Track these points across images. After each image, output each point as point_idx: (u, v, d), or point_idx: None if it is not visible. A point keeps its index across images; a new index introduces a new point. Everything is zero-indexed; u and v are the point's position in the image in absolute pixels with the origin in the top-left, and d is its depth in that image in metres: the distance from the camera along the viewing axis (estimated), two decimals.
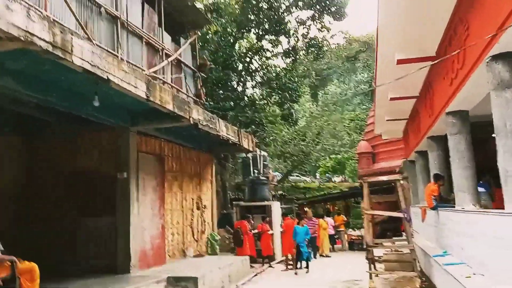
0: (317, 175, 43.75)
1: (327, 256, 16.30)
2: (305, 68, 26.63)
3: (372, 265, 9.99)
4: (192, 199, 13.16)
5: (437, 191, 9.59)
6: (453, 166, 7.93)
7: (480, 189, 10.78)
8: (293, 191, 30.14)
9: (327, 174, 42.06)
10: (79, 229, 9.70)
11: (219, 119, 11.35)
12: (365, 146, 24.15)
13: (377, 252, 15.52)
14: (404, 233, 10.89)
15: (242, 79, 22.25)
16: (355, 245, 18.83)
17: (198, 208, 13.51)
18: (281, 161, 31.93)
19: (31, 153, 10.39)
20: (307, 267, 12.30)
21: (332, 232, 18.11)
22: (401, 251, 10.88)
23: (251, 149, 13.96)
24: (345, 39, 34.77)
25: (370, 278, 9.32)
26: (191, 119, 9.21)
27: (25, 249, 7.40)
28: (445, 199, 9.86)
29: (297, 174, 40.82)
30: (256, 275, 12.07)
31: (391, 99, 11.25)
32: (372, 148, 23.75)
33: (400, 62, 7.96)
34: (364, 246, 17.48)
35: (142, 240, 9.74)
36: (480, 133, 7.95)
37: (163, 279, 8.56)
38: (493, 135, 5.42)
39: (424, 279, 8.90)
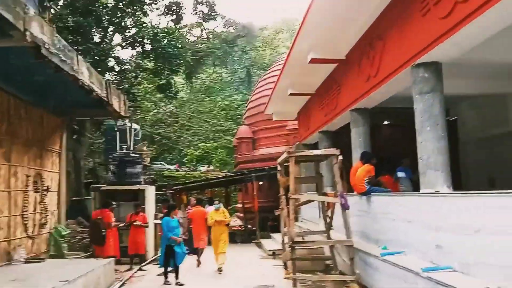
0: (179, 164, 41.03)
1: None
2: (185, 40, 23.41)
3: (287, 268, 7.64)
4: (28, 176, 8.95)
5: (373, 172, 7.69)
6: (423, 137, 6.05)
7: (401, 174, 9.44)
8: (158, 180, 26.78)
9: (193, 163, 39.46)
10: None
11: (79, 55, 7.57)
12: (245, 131, 22.22)
13: (268, 245, 13.62)
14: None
15: (107, 34, 17.85)
16: (237, 237, 16.53)
17: (36, 191, 9.32)
18: (148, 145, 28.01)
19: None
20: (177, 276, 8.50)
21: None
22: (313, 247, 8.79)
23: (123, 113, 10.24)
24: (224, 20, 32.44)
25: (295, 286, 6.86)
26: (28, 34, 5.45)
27: None
28: (377, 182, 8.06)
29: (161, 162, 37.82)
30: (123, 284, 8.58)
31: (312, 60, 9.13)
32: (253, 133, 21.97)
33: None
34: (257, 239, 15.89)
35: None
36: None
37: None
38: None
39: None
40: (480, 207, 4.58)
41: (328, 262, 9.02)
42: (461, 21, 4.93)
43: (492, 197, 4.51)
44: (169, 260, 8.59)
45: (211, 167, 39.02)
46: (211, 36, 32.71)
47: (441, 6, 5.29)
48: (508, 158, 11.92)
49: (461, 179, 11.71)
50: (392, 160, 9.62)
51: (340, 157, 7.02)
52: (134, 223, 10.62)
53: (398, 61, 6.56)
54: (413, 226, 6.06)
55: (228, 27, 34.49)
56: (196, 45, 28.20)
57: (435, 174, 5.88)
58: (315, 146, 12.95)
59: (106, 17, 17.20)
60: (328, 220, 8.24)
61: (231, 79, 40.47)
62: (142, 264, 10.76)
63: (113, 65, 18.41)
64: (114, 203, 10.85)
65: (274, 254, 11.96)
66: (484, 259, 4.48)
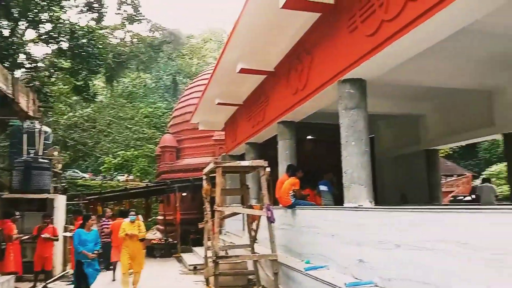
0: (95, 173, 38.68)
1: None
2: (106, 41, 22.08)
3: (209, 284, 7.28)
4: None
5: (298, 185, 7.69)
6: (347, 152, 6.12)
7: (323, 188, 9.63)
8: (70, 189, 24.77)
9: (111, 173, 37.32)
10: None
11: None
12: (169, 139, 21.51)
13: (190, 259, 13.06)
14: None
15: (18, 27, 16.18)
16: (156, 251, 15.70)
17: None
18: (61, 150, 25.84)
19: None
20: None
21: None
22: (236, 261, 8.55)
23: (31, 113, 9.19)
24: (150, 24, 31.38)
25: None
26: None
27: None
28: (302, 196, 8.08)
29: (75, 170, 35.28)
30: None
31: (241, 70, 9.03)
32: (178, 143, 21.34)
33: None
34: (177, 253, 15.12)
35: None
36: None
37: None
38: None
39: None
40: (401, 222, 4.68)
41: (251, 277, 8.83)
42: (387, 39, 5.09)
43: (412, 212, 4.62)
44: (80, 279, 7.73)
45: (131, 177, 37.21)
46: (135, 40, 31.43)
47: (368, 24, 5.43)
48: (419, 176, 12.83)
49: (377, 195, 12.31)
50: (314, 174, 9.78)
51: (268, 169, 6.90)
52: (42, 236, 9.53)
53: (325, 76, 6.65)
54: (336, 240, 6.08)
55: (154, 31, 33.51)
56: (119, 48, 26.85)
57: (359, 189, 5.99)
58: (241, 157, 12.82)
59: (18, 9, 15.62)
60: (253, 233, 8.05)
61: (156, 85, 39.22)
62: (47, 281, 9.66)
63: (24, 61, 16.69)
64: (17, 213, 9.65)
65: (195, 269, 11.51)
66: (404, 274, 4.56)
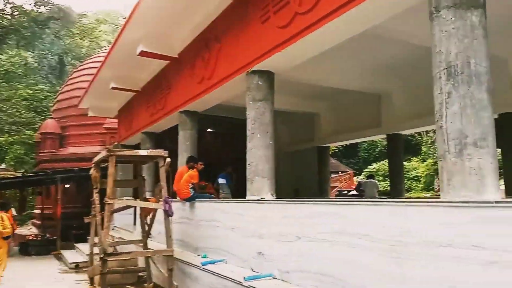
0: None
1: None
2: None
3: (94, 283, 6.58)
4: None
5: (197, 178, 7.42)
6: (253, 144, 6.02)
7: (221, 181, 9.57)
8: None
9: None
10: None
11: None
12: (52, 125, 19.36)
13: (71, 257, 11.81)
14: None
15: None
16: (32, 248, 13.96)
17: None
18: None
19: None
20: None
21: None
22: (126, 258, 7.94)
23: None
24: None
25: None
26: None
27: None
28: (202, 188, 7.83)
29: None
30: None
31: (142, 53, 8.43)
32: (61, 129, 19.34)
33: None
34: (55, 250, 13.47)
35: None
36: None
37: None
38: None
39: None
40: (302, 214, 4.71)
41: (141, 274, 8.28)
42: (300, 32, 5.07)
43: (313, 205, 4.68)
44: None
45: (3, 165, 32.89)
46: (16, 13, 27.75)
47: (281, 15, 5.38)
48: (311, 171, 13.50)
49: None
50: (214, 166, 9.62)
51: (168, 159, 6.47)
52: None
53: (234, 66, 6.48)
54: (236, 233, 5.96)
55: (41, 5, 29.99)
56: None
57: (262, 181, 5.94)
58: (136, 147, 12.03)
59: None
60: (146, 228, 7.53)
61: (39, 65, 35.19)
62: None
63: None
64: None
65: (77, 267, 10.45)
66: (304, 266, 4.60)
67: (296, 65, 6.12)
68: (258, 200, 5.77)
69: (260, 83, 6.10)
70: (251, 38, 6.08)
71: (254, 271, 5.44)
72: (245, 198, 6.05)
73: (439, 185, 14.86)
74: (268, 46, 5.65)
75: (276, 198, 6.10)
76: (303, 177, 13.56)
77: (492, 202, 2.81)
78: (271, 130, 6.14)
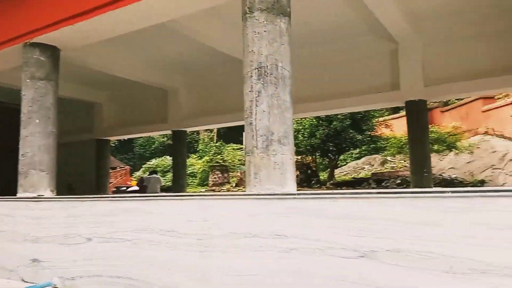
0: None
1: None
2: None
3: None
4: None
5: None
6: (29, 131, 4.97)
7: None
8: None
9: None
10: None
11: None
12: None
13: None
14: None
15: None
16: None
17: None
18: None
19: None
20: None
21: None
22: None
23: None
24: None
25: None
26: None
27: None
28: None
29: None
30: None
31: None
32: None
33: None
34: None
35: None
36: None
37: None
38: None
39: None
40: (96, 212, 4.19)
41: None
42: (95, 8, 4.52)
43: (109, 201, 4.25)
44: None
45: None
46: None
47: None
48: (88, 165, 12.37)
49: None
50: None
51: None
52: None
53: (8, 33, 5.23)
54: (2, 238, 4.83)
55: None
56: None
57: (40, 175, 5.00)
58: None
59: None
60: None
61: None
62: None
63: None
64: None
65: None
66: (94, 270, 4.09)
67: (85, 45, 5.45)
68: (34, 197, 4.82)
69: (42, 58, 5.13)
70: (36, 2, 5.04)
71: (26, 282, 4.54)
72: (15, 195, 4.97)
73: (213, 181, 16.06)
74: (58, 16, 4.80)
75: (56, 195, 5.26)
76: (79, 172, 12.29)
77: (294, 194, 3.12)
78: (53, 116, 5.26)
